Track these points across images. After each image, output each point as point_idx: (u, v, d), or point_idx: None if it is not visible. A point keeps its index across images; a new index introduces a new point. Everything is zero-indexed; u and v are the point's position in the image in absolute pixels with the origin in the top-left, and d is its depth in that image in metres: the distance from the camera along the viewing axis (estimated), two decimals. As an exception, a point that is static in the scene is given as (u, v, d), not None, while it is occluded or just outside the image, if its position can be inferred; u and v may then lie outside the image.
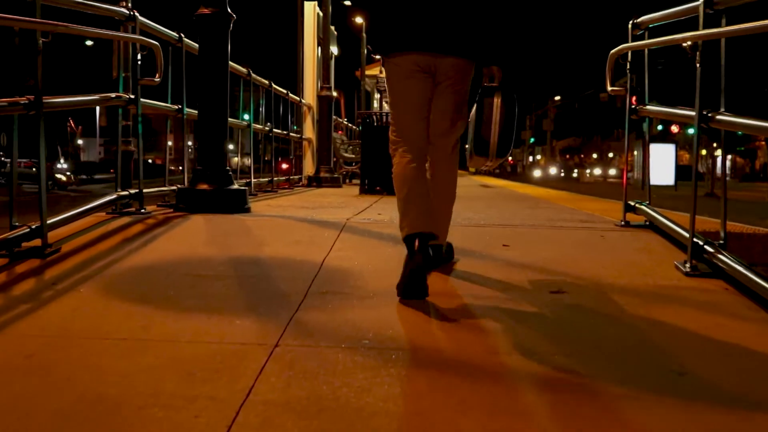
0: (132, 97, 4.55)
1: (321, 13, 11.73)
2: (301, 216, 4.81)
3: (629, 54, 4.52)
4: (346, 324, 2.48)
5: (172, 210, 4.89)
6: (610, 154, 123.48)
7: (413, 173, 2.97)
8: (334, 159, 11.12)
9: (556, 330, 2.47)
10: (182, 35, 5.43)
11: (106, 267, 3.22)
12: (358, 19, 26.95)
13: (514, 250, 3.69)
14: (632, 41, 4.52)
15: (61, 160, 71.91)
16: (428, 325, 2.53)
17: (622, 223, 4.54)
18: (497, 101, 3.02)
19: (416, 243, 2.81)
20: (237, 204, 4.90)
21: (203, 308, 2.61)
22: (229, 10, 4.95)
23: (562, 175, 67.24)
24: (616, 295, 2.94)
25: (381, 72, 22.88)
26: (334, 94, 10.84)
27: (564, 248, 3.82)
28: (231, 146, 7.78)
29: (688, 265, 3.31)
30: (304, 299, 2.76)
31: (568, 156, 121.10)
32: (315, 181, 10.44)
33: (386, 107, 30.44)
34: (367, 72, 23.82)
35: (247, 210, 4.96)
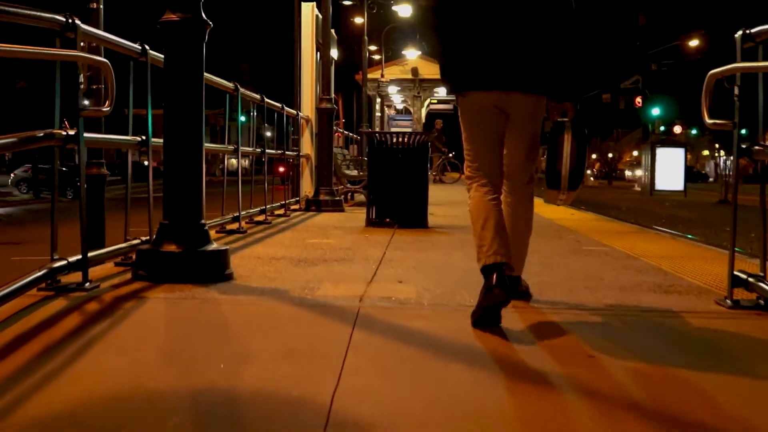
0: (71, 133, 3.40)
1: (320, 15, 10.58)
2: (297, 292, 3.59)
3: (737, 76, 3.38)
4: None
5: (131, 275, 3.76)
6: (609, 155, 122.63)
7: (490, 205, 3.07)
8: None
9: None
10: (146, 46, 4.29)
11: (-3, 420, 2.07)
12: (358, 19, 25.89)
13: (608, 366, 2.53)
14: (741, 58, 3.38)
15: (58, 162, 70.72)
16: None
17: (729, 302, 3.40)
18: (568, 137, 3.15)
19: (494, 276, 2.87)
20: (214, 270, 3.76)
21: None
22: (203, 16, 3.80)
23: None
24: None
25: (382, 76, 21.82)
26: (335, 104, 9.69)
27: (672, 357, 2.67)
28: (231, 147, 6.69)
29: None
30: None
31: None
32: (314, 205, 9.29)
33: (388, 113, 29.34)
34: (369, 76, 22.70)
35: (228, 277, 3.81)
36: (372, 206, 7.26)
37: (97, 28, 5.16)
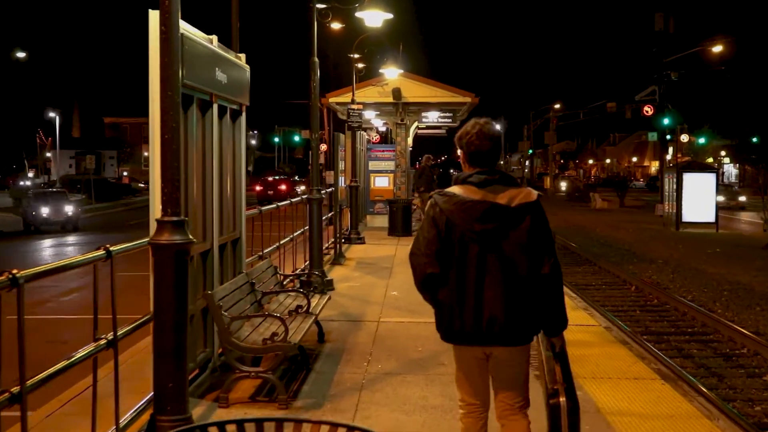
0: None
1: (197, 34, 5.44)
2: None
3: None
4: None
5: None
6: (607, 161, 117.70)
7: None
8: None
9: None
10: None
11: None
12: (336, 25, 20.87)
13: None
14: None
15: (30, 174, 64.65)
16: None
17: None
18: (563, 407, 3.49)
19: None
20: None
21: None
22: None
23: (564, 189, 60.87)
24: None
25: (353, 103, 16.70)
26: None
27: None
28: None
29: None
30: None
31: (562, 161, 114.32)
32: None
33: (368, 136, 24.13)
34: (340, 99, 17.69)
35: None
36: None
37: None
